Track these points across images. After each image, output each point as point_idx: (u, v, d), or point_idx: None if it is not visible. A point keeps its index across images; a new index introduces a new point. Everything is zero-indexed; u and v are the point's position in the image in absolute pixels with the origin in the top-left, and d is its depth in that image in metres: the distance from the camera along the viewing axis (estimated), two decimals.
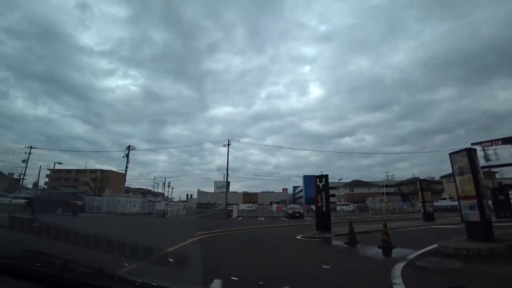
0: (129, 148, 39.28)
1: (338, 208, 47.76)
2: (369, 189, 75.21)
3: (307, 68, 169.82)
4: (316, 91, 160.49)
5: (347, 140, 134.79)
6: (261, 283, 4.40)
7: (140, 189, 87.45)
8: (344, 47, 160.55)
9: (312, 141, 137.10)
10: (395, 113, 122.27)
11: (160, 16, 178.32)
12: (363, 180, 76.69)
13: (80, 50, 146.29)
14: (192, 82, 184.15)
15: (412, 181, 72.31)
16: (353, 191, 75.78)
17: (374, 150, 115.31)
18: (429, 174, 72.85)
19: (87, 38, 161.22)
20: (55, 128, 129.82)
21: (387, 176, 75.00)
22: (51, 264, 1.60)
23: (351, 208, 44.04)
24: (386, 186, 72.27)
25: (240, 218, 28.63)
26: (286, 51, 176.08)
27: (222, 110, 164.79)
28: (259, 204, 66.30)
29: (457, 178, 9.02)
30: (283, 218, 27.10)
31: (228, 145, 39.69)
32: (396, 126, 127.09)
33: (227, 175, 38.51)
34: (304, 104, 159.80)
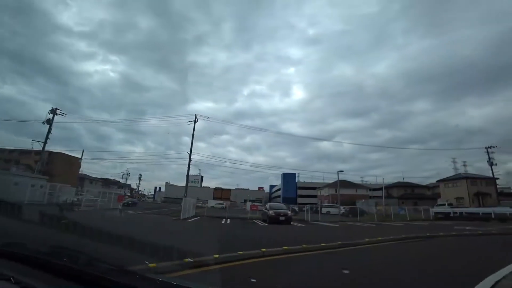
0: (54, 112, 30.49)
1: (323, 210, 41.94)
2: (356, 191, 70.13)
3: (292, 69, 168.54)
4: (299, 93, 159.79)
5: (325, 144, 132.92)
6: None
7: (103, 178, 78.97)
8: (331, 52, 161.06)
9: (291, 143, 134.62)
10: (373, 121, 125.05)
11: (148, 1, 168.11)
12: (348, 180, 71.23)
13: (58, 29, 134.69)
14: (175, 74, 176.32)
15: (401, 185, 67.95)
16: (339, 192, 70.32)
17: (351, 155, 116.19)
18: (405, 179, 68.09)
19: (67, 17, 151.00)
20: (24, 111, 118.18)
21: (377, 178, 70.06)
22: (76, 260, 1.67)
23: (340, 211, 38.28)
24: (374, 189, 67.45)
25: (195, 219, 21.47)
26: (272, 50, 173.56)
27: (203, 105, 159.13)
28: (231, 202, 59.57)
29: None
30: (260, 223, 20.25)
31: (195, 121, 32.51)
32: (374, 134, 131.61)
33: (190, 158, 31.19)
34: (286, 105, 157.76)
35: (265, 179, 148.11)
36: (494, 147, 44.29)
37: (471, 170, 59.61)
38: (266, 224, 19.12)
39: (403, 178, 67.92)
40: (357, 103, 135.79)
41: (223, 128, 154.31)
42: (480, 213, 29.75)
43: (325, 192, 73.62)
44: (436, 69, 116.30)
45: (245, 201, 62.79)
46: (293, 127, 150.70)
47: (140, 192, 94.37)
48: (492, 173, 45.56)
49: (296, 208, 40.84)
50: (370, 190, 69.08)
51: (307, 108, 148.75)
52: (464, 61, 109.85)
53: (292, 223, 21.11)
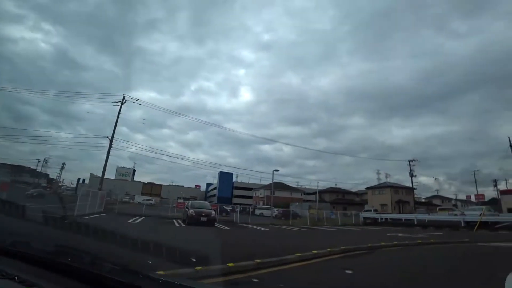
0: None
1: (257, 212, 40.05)
2: (291, 194, 70.44)
3: (242, 71, 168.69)
4: (246, 95, 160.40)
5: (266, 148, 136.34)
6: None
7: (14, 165, 66.31)
8: (281, 60, 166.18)
9: (233, 143, 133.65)
10: (312, 131, 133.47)
11: None
12: (284, 183, 71.33)
13: None
14: (119, 57, 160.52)
15: (333, 190, 70.35)
16: (274, 194, 69.82)
17: (290, 160, 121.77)
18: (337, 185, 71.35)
19: None
20: None
21: (311, 183, 71.46)
22: (80, 259, 1.66)
23: (274, 213, 36.65)
24: (309, 193, 68.62)
25: (97, 216, 17.17)
26: (226, 49, 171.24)
27: (146, 94, 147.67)
28: (162, 198, 54.50)
29: None
30: (177, 224, 16.89)
31: (122, 102, 27.50)
32: (311, 142, 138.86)
33: (110, 145, 26.25)
34: (233, 105, 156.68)
35: (204, 177, 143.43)
36: (415, 160, 48.33)
37: (391, 181, 64.56)
38: (183, 225, 15.89)
39: (336, 184, 70.47)
40: (300, 112, 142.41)
41: (164, 121, 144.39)
42: (403, 219, 30.87)
43: (260, 193, 72.58)
44: (372, 90, 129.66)
45: (179, 198, 58.27)
46: (237, 128, 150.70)
47: (61, 184, 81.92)
48: (412, 183, 49.53)
49: (229, 209, 38.84)
50: (304, 194, 70.09)
51: (253, 111, 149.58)
52: (395, 87, 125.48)
53: (217, 224, 18.28)
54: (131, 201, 53.75)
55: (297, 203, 52.00)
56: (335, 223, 27.98)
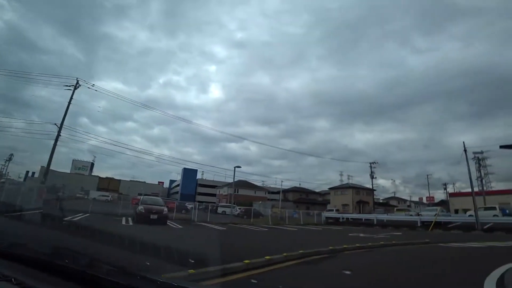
0: None
1: (220, 210, 38.65)
2: (255, 192, 69.68)
3: (213, 67, 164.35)
4: (216, 92, 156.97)
5: (233, 146, 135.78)
6: None
7: None
8: (253, 60, 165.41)
9: (200, 140, 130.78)
10: (280, 131, 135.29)
11: None
12: (249, 181, 70.38)
13: None
14: (83, 42, 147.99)
15: (297, 190, 70.79)
16: (238, 192, 68.66)
17: (256, 159, 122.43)
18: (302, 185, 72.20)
19: None
20: None
21: (276, 182, 71.25)
22: (77, 261, 1.69)
23: (236, 212, 35.54)
24: (273, 192, 68.32)
25: (22, 213, 14.90)
26: (198, 44, 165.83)
27: (110, 85, 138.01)
28: (121, 194, 50.99)
29: None
30: (124, 222, 14.98)
31: (75, 87, 24.56)
32: (278, 142, 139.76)
33: (59, 133, 23.37)
34: (202, 102, 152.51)
35: (169, 174, 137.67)
36: (375, 163, 49.90)
37: (353, 182, 66.60)
38: (130, 224, 14.11)
39: (299, 184, 70.86)
40: (268, 112, 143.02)
41: (130, 114, 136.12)
42: (363, 219, 31.23)
43: (224, 191, 71.07)
44: (338, 95, 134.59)
45: (139, 195, 54.90)
46: (205, 125, 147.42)
47: (7, 177, 73.35)
48: (372, 185, 51.14)
49: (190, 206, 37.22)
50: (268, 192, 69.68)
51: (221, 109, 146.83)
52: (359, 94, 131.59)
53: (171, 223, 16.68)
54: (86, 197, 49.78)
55: (260, 202, 51.17)
56: (297, 223, 27.44)
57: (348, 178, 66.20)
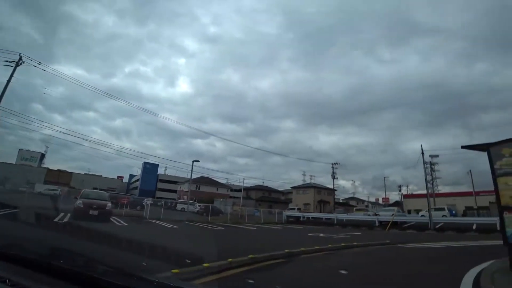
0: None
1: (179, 207, 36.73)
2: (217, 189, 68.03)
3: (183, 60, 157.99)
4: (184, 86, 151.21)
5: (199, 142, 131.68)
6: None
7: None
8: (225, 56, 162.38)
9: (165, 134, 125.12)
10: (247, 129, 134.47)
11: None
12: (212, 178, 68.46)
13: None
14: (42, 21, 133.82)
15: (260, 188, 70.26)
16: (199, 188, 66.55)
17: (222, 157, 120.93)
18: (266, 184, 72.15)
19: None
20: None
21: (239, 179, 70.00)
22: (74, 261, 1.68)
23: (196, 209, 33.93)
24: (236, 190, 67.15)
25: None
26: (168, 34, 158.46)
27: (71, 70, 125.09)
28: (71, 188, 46.67)
29: (501, 180, 5.49)
30: (58, 219, 12.80)
31: (17, 63, 21.17)
32: (245, 140, 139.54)
33: None
34: (169, 95, 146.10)
35: (130, 168, 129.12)
36: (337, 164, 50.89)
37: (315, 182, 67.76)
38: (65, 220, 12.06)
39: (263, 182, 70.31)
40: (236, 110, 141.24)
41: (91, 103, 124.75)
42: (324, 218, 31.15)
43: (185, 187, 68.49)
44: (306, 97, 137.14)
45: (94, 189, 50.66)
46: (172, 119, 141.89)
47: None
48: (333, 185, 52.12)
49: (149, 202, 34.99)
50: (231, 190, 68.32)
51: (189, 103, 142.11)
52: (326, 98, 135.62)
53: (119, 220, 14.88)
54: (31, 190, 44.66)
55: (221, 199, 49.64)
56: (257, 221, 26.51)
57: (311, 178, 67.16)
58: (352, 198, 75.79)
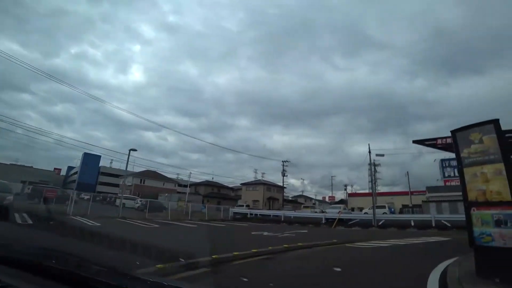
0: None
1: (118, 202, 33.17)
2: (163, 184, 64.28)
3: (138, 47, 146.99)
4: (137, 75, 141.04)
5: (150, 135, 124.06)
6: None
7: None
8: (183, 47, 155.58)
9: (113, 125, 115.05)
10: (201, 124, 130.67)
11: None
12: (158, 171, 64.26)
13: None
14: None
15: (209, 184, 67.87)
16: (144, 182, 62.28)
17: (173, 151, 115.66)
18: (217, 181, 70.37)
19: None
20: None
21: (189, 175, 66.80)
22: (66, 262, 1.64)
23: (137, 204, 31.02)
24: (184, 185, 63.94)
25: None
26: (124, 18, 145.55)
27: (5, 45, 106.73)
28: None
29: (468, 171, 4.72)
30: None
31: None
32: (199, 135, 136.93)
33: None
34: (119, 82, 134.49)
35: (71, 160, 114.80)
36: (288, 161, 51.04)
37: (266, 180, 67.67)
38: None
39: (212, 178, 67.99)
40: (192, 104, 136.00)
41: (26, 84, 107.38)
42: (272, 215, 30.53)
43: (128, 181, 63.47)
44: (262, 97, 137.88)
45: (22, 182, 43.94)
46: (121, 108, 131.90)
47: None
48: (283, 182, 52.24)
49: (87, 197, 31.25)
50: (179, 185, 64.98)
51: (141, 93, 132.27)
52: (281, 98, 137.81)
53: (24, 216, 12.00)
54: None
55: (166, 194, 46.62)
56: (201, 218, 24.73)
57: (262, 176, 66.86)
58: (301, 196, 77.40)
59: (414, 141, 9.77)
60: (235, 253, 6.14)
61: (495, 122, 4.51)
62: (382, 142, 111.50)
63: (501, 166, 4.24)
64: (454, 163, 49.88)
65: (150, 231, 12.60)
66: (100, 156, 70.81)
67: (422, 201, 44.34)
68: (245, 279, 4.59)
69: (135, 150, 23.27)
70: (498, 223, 4.07)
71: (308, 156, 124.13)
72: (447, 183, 48.64)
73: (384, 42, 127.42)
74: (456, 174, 49.07)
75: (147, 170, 63.09)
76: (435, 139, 8.68)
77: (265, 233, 13.37)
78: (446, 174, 49.00)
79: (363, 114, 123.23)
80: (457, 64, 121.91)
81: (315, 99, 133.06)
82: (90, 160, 68.90)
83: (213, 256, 5.50)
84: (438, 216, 21.75)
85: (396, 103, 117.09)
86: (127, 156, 24.01)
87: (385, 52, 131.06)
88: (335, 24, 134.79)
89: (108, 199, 37.10)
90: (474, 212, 4.36)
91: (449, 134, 8.81)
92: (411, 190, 52.22)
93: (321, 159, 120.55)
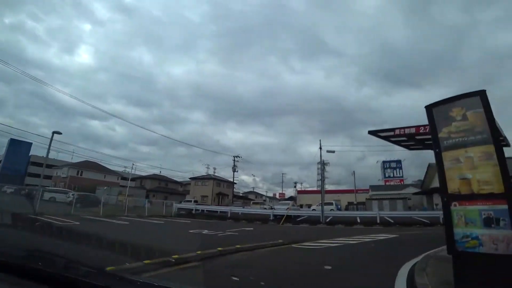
0: None
1: (46, 196, 29.27)
2: (105, 176, 58.89)
3: (88, 26, 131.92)
4: (85, 57, 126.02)
5: (96, 124, 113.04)
6: None
7: None
8: (139, 32, 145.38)
9: (54, 110, 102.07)
10: (153, 116, 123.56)
11: None
12: (100, 163, 58.45)
13: None
14: None
15: (156, 177, 63.81)
16: (82, 174, 56.32)
17: (121, 142, 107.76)
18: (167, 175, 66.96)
19: None
20: None
21: (136, 167, 62.02)
22: (53, 263, 1.58)
23: (69, 198, 27.40)
24: (131, 179, 59.16)
25: None
26: None
27: None
28: None
29: (448, 155, 3.70)
30: None
31: None
32: (150, 127, 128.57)
33: None
34: (63, 63, 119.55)
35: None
36: (239, 157, 49.85)
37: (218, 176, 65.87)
38: None
39: (160, 172, 64.04)
40: (144, 93, 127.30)
41: None
42: (219, 211, 29.13)
43: (63, 172, 56.92)
44: (218, 92, 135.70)
45: None
46: (64, 91, 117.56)
47: None
48: (233, 178, 50.90)
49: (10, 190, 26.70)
50: (122, 178, 59.94)
51: (88, 77, 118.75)
52: (237, 95, 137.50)
53: None
54: None
55: (105, 188, 42.38)
56: (140, 214, 22.24)
57: (214, 172, 64.82)
58: (252, 192, 77.01)
59: (370, 132, 8.99)
60: (147, 261, 4.50)
61: (482, 94, 3.53)
62: (331, 144, 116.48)
63: (490, 148, 3.27)
64: (394, 164, 54.05)
65: (57, 233, 10.24)
66: (31, 144, 61.84)
67: (366, 198, 46.60)
68: None
69: (59, 133, 19.89)
70: (488, 222, 3.08)
71: (261, 153, 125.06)
72: (387, 183, 52.32)
73: (339, 50, 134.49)
74: (396, 174, 53.52)
75: (86, 161, 56.97)
76: (393, 129, 7.94)
77: (205, 232, 11.80)
78: (387, 175, 52.62)
79: (315, 116, 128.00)
80: (399, 77, 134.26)
81: (270, 98, 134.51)
82: (18, 147, 60.31)
83: (108, 268, 3.81)
84: (381, 213, 22.25)
85: (345, 108, 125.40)
86: (68, 146, 20.44)
87: (338, 59, 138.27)
88: (295, 27, 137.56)
89: (35, 192, 32.44)
90: (456, 207, 3.34)
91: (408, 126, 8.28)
92: (356, 188, 54.88)
93: (273, 157, 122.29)
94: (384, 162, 53.37)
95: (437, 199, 37.97)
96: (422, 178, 47.60)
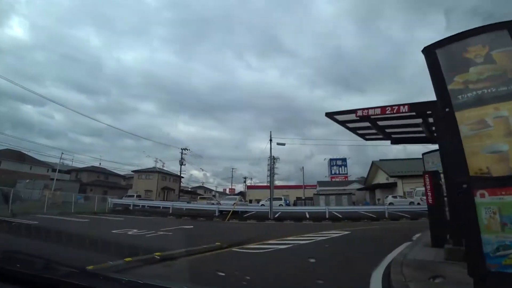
0: None
1: None
2: (31, 168, 51.28)
3: None
4: (18, 31, 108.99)
5: (29, 109, 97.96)
6: None
7: None
8: (84, 9, 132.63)
9: None
10: (99, 104, 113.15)
11: None
12: (26, 153, 50.58)
13: None
14: None
15: (95, 170, 57.66)
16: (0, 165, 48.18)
17: (60, 131, 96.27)
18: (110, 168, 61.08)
19: None
20: None
21: (73, 159, 54.89)
22: (32, 264, 1.50)
23: None
24: (64, 171, 52.29)
25: None
26: None
27: None
28: None
29: (466, 115, 2.29)
30: None
31: None
32: (94, 116, 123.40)
33: None
34: None
35: None
36: (187, 149, 47.12)
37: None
38: None
39: (100, 164, 57.87)
40: (89, 79, 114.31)
41: None
42: (161, 207, 26.75)
43: None
44: (171, 83, 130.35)
45: None
46: None
47: None
48: (180, 171, 47.98)
49: None
50: (53, 170, 52.80)
51: (22, 55, 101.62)
52: (191, 87, 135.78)
53: None
54: None
55: (27, 181, 36.65)
56: (67, 210, 18.98)
57: (163, 166, 60.66)
58: (201, 187, 74.38)
59: (327, 114, 7.85)
60: None
61: (510, 27, 2.30)
62: (282, 140, 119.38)
63: None
64: (340, 162, 56.20)
65: None
66: None
67: (314, 194, 47.45)
68: None
69: None
70: None
71: (212, 148, 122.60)
72: (333, 179, 54.18)
73: (294, 51, 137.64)
74: (341, 171, 55.69)
75: (7, 149, 48.83)
76: (354, 110, 6.82)
77: (132, 232, 9.72)
78: (333, 172, 54.37)
79: (268, 113, 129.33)
80: (348, 82, 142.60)
81: (224, 93, 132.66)
82: None
83: None
84: (330, 208, 22.00)
85: (297, 107, 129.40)
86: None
87: (293, 60, 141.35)
88: (253, 24, 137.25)
89: None
90: (484, 199, 2.05)
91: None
92: (305, 184, 55.95)
93: (225, 152, 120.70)
94: (331, 159, 55.20)
95: (379, 194, 40.06)
96: (365, 175, 50.18)
